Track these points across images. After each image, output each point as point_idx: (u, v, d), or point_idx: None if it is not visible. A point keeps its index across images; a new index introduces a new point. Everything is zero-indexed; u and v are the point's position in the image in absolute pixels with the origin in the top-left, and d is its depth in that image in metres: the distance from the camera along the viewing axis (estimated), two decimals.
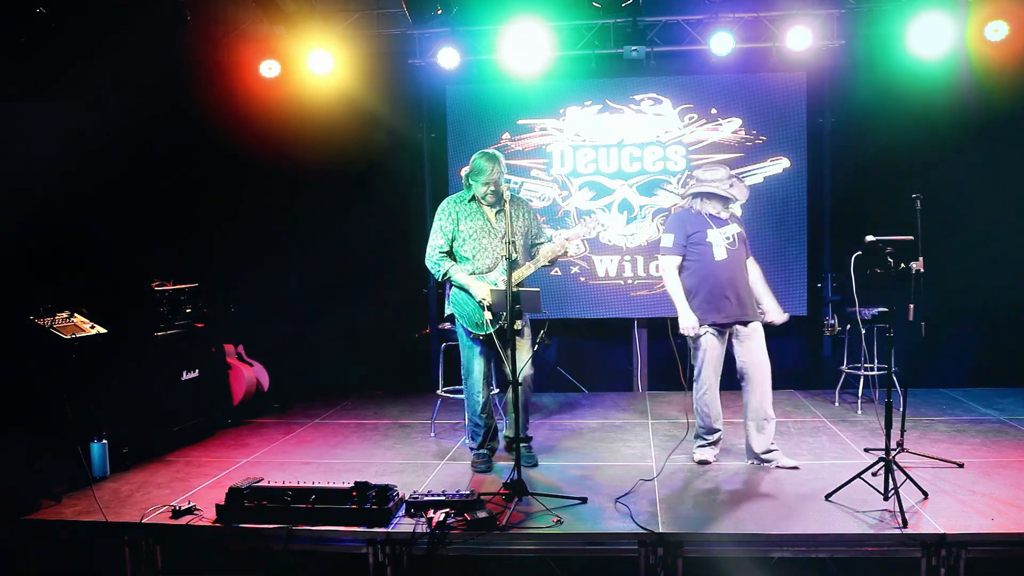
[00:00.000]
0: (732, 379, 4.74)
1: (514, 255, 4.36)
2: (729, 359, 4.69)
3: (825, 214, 6.73)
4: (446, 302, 4.67)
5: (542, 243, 4.66)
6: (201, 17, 6.21)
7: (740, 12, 6.31)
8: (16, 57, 4.75)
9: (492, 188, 4.41)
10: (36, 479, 4.21)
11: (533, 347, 4.45)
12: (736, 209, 4.72)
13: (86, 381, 4.58)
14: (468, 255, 4.52)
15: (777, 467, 4.55)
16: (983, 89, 6.13)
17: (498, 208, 4.51)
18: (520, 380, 4.45)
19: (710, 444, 4.75)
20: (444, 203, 4.64)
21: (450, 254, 4.58)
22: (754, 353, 4.55)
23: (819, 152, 6.67)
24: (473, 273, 4.50)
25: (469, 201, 4.57)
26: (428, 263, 4.61)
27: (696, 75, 6.67)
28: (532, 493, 4.04)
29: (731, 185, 4.61)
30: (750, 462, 4.64)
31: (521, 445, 4.55)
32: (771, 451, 4.59)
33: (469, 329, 4.52)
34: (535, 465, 4.67)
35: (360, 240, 7.05)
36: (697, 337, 4.58)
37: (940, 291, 6.26)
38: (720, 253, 4.53)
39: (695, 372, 4.68)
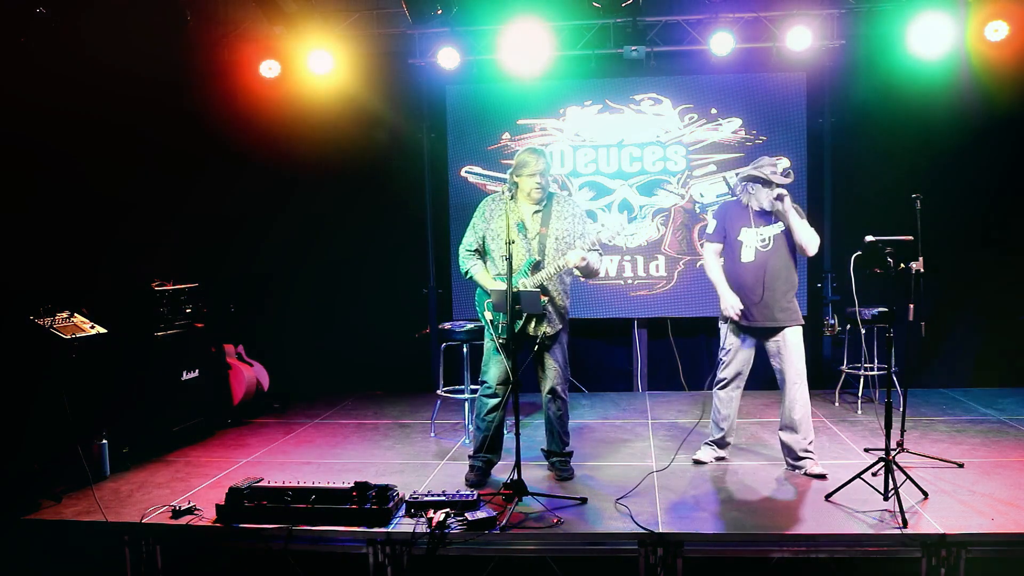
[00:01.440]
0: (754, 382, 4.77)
1: (535, 257, 4.28)
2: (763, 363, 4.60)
3: (825, 214, 6.73)
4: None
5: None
6: (201, 17, 6.22)
7: (740, 12, 6.31)
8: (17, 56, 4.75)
9: (538, 181, 4.25)
10: (36, 479, 4.21)
11: (534, 348, 4.39)
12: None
13: (86, 381, 4.57)
14: (495, 255, 4.39)
15: (806, 474, 4.36)
16: (983, 89, 6.13)
17: (536, 209, 4.36)
18: (551, 387, 4.42)
19: (712, 443, 4.71)
20: (483, 200, 4.52)
21: (482, 252, 4.49)
22: (783, 360, 4.40)
23: (819, 152, 6.67)
24: (499, 274, 4.35)
25: (510, 199, 4.35)
26: (459, 261, 4.54)
27: (696, 75, 6.67)
28: (532, 493, 4.03)
29: (772, 172, 4.37)
30: (787, 468, 4.51)
31: (559, 459, 4.54)
32: (802, 457, 4.42)
33: (489, 329, 4.43)
34: (570, 479, 4.49)
35: (360, 240, 7.06)
36: (721, 331, 4.55)
37: (940, 291, 6.29)
38: (748, 255, 4.41)
39: (718, 365, 4.63)
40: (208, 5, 6.62)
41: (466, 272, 4.49)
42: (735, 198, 4.58)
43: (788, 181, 4.40)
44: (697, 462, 4.67)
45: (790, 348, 4.36)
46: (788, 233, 4.38)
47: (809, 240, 4.30)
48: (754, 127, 6.61)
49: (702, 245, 4.64)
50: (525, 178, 4.29)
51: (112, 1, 5.24)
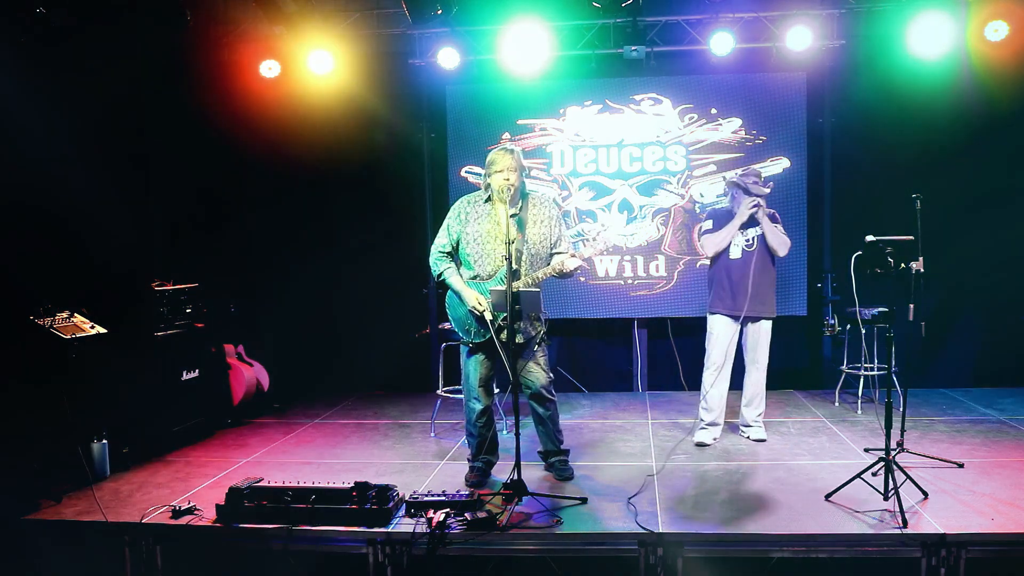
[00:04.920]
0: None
1: (519, 263, 4.18)
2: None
3: (825, 214, 6.73)
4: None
5: (556, 253, 4.33)
6: (201, 17, 6.21)
7: (740, 12, 6.31)
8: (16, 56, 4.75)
9: (506, 177, 4.13)
10: (36, 479, 4.21)
11: (534, 349, 4.36)
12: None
13: (86, 381, 4.57)
14: (471, 259, 4.30)
15: (748, 439, 5.11)
16: (983, 89, 6.14)
17: (513, 212, 4.23)
18: (536, 391, 4.39)
19: (708, 426, 5.06)
20: (458, 202, 4.43)
21: (455, 255, 4.41)
22: (757, 347, 5.02)
23: (819, 152, 6.67)
24: (475, 277, 4.29)
25: (484, 202, 4.31)
26: (430, 261, 4.45)
27: (696, 75, 6.67)
28: (532, 493, 4.03)
29: (754, 183, 4.95)
30: (740, 430, 5.25)
31: (557, 459, 4.54)
32: (750, 425, 5.15)
33: (460, 335, 4.40)
34: (570, 478, 4.47)
35: (360, 240, 7.05)
36: (709, 320, 5.06)
37: (940, 291, 6.30)
38: (735, 253, 4.93)
39: (706, 354, 5.09)
40: (208, 5, 6.62)
41: (438, 275, 4.37)
42: (726, 206, 5.14)
43: (766, 192, 4.96)
44: (700, 444, 5.02)
45: (764, 337, 5.02)
46: (764, 236, 4.95)
47: (779, 244, 4.93)
48: (754, 127, 6.61)
49: (701, 243, 5.53)
50: (494, 176, 4.19)
51: (113, 1, 5.24)
